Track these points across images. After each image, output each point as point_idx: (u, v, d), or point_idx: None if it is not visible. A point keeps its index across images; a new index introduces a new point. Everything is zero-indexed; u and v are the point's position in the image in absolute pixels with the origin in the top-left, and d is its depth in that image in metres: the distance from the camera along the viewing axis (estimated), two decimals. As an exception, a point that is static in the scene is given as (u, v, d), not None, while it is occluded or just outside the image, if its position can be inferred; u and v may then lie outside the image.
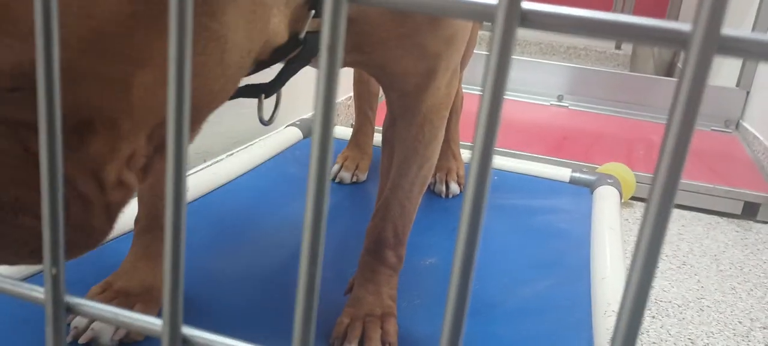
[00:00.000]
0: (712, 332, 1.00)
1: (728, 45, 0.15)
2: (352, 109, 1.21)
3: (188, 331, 0.23)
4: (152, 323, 0.23)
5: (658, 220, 0.17)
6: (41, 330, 0.61)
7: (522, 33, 3.34)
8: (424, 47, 0.56)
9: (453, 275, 0.20)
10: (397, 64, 0.57)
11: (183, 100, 0.20)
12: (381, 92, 0.99)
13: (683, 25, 0.16)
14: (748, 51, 0.15)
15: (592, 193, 1.17)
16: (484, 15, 0.17)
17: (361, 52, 0.54)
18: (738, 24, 2.32)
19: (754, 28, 2.10)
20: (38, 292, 0.24)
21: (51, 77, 0.21)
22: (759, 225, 1.48)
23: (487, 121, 0.18)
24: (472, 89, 2.19)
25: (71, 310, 0.24)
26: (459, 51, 0.61)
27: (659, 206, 0.17)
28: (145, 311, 0.62)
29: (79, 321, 0.60)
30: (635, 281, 0.19)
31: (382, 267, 0.68)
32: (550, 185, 1.20)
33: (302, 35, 0.46)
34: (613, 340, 0.20)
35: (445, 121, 0.65)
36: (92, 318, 0.26)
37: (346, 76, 1.61)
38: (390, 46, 0.55)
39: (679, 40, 0.16)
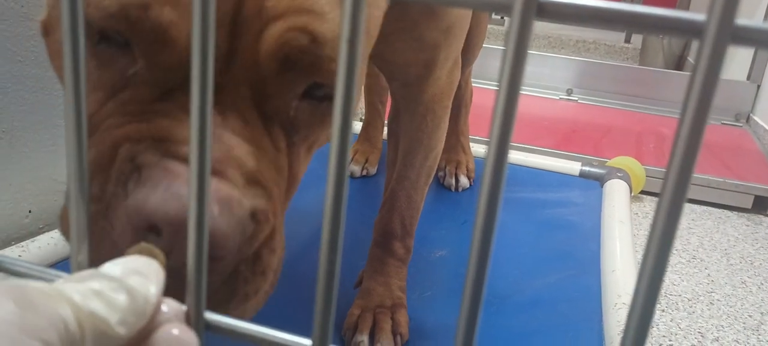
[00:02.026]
0: (722, 325, 1.00)
1: (742, 34, 0.15)
2: (362, 103, 1.21)
3: (211, 316, 0.23)
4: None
5: (672, 206, 0.18)
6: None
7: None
8: (423, 39, 0.57)
9: (470, 266, 0.20)
10: (398, 56, 0.58)
11: (206, 101, 0.21)
12: (391, 86, 0.99)
13: (698, 15, 0.16)
14: (762, 41, 0.15)
15: (601, 186, 1.17)
16: (501, 7, 0.17)
17: None
18: (750, 15, 2.30)
19: (765, 19, 2.09)
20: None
21: (78, 81, 0.21)
22: (770, 219, 1.47)
23: (504, 112, 0.19)
24: (482, 83, 2.18)
25: (97, 296, 0.25)
26: (458, 40, 0.61)
27: (673, 189, 0.17)
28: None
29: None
30: (647, 274, 0.19)
31: (390, 259, 0.68)
32: (560, 179, 1.20)
33: None
34: (625, 333, 0.20)
35: (448, 111, 0.66)
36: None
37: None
38: (390, 40, 0.56)
39: (693, 30, 0.16)
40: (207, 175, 0.21)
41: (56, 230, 0.75)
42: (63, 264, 0.72)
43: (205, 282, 0.23)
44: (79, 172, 0.22)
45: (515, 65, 0.18)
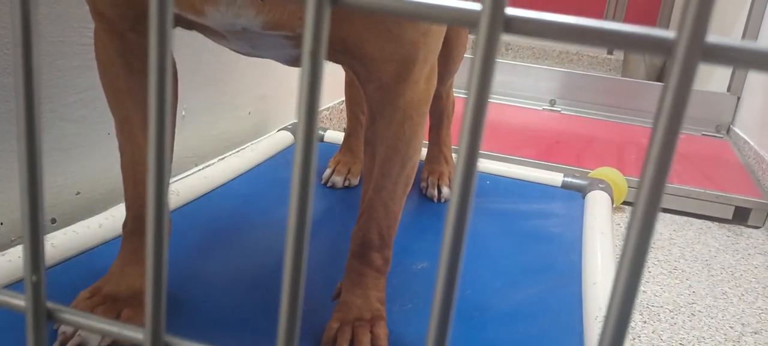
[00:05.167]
0: (703, 336, 1.00)
1: (712, 52, 0.15)
2: (345, 114, 1.20)
3: (171, 339, 0.22)
4: (134, 331, 0.23)
5: (644, 224, 0.17)
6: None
7: (514, 37, 3.35)
8: (402, 37, 0.55)
9: (439, 276, 0.20)
10: (376, 49, 0.55)
11: (164, 98, 0.20)
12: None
13: (668, 33, 0.16)
14: (732, 58, 0.15)
15: (583, 197, 1.17)
16: (467, 21, 0.17)
17: (334, 19, 0.52)
18: (727, 32, 2.33)
19: (743, 37, 2.12)
20: (19, 299, 0.24)
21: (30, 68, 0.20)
22: (750, 230, 1.48)
23: (472, 125, 0.18)
24: (465, 94, 2.19)
25: (52, 317, 0.24)
26: (436, 42, 0.60)
27: (645, 211, 0.17)
28: (133, 316, 0.62)
29: (66, 326, 0.60)
30: (621, 286, 0.18)
31: (368, 270, 0.67)
32: (542, 190, 1.20)
33: None
34: (600, 344, 0.19)
35: (425, 119, 0.64)
36: (72, 326, 0.26)
37: (339, 80, 1.60)
38: (366, 23, 0.53)
39: (663, 47, 0.15)
40: (165, 180, 0.20)
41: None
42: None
43: (164, 305, 0.22)
44: (31, 190, 0.21)
45: (483, 79, 0.17)
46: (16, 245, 0.74)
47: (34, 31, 0.20)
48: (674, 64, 0.15)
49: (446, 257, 0.19)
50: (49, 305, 0.23)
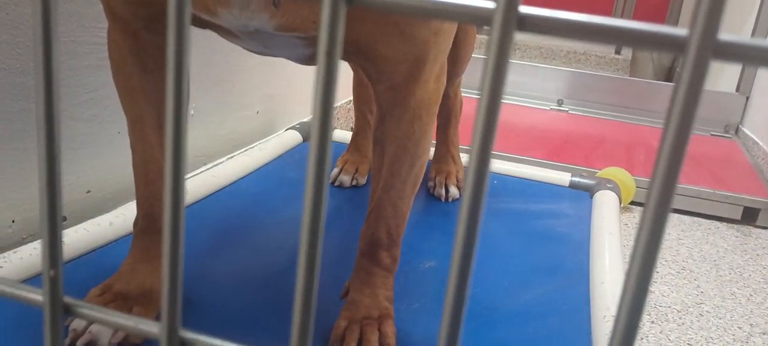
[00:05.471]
0: (711, 337, 1.00)
1: (724, 50, 0.15)
2: (353, 113, 1.21)
3: (186, 334, 0.23)
4: (150, 325, 0.23)
5: (655, 222, 0.17)
6: (40, 334, 0.61)
7: (522, 37, 3.34)
8: (414, 37, 0.55)
9: (451, 275, 0.20)
10: (385, 45, 0.55)
11: (182, 96, 0.20)
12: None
13: (680, 30, 0.16)
14: (744, 56, 0.15)
15: (591, 197, 1.17)
16: (481, 19, 0.17)
17: (347, 21, 0.53)
18: (737, 30, 2.32)
19: (753, 34, 2.10)
20: (36, 293, 0.24)
21: (50, 70, 0.21)
22: (758, 230, 1.48)
23: (485, 123, 0.18)
24: (474, 94, 2.19)
25: (69, 311, 0.24)
26: (447, 42, 0.60)
27: (657, 205, 0.17)
28: (144, 314, 0.62)
29: (77, 323, 0.60)
30: (632, 286, 0.19)
31: (377, 269, 0.68)
32: (550, 190, 1.20)
33: None
34: (611, 344, 0.20)
35: (435, 118, 0.64)
36: (90, 320, 0.26)
37: (347, 80, 1.61)
38: (379, 23, 0.54)
39: (675, 45, 0.16)
40: (182, 176, 0.21)
41: (40, 241, 0.74)
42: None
43: (181, 300, 0.22)
44: (51, 185, 0.21)
45: (496, 77, 0.18)
46: (28, 242, 0.75)
47: (54, 31, 0.21)
48: (686, 61, 0.15)
49: (458, 257, 0.19)
50: (67, 299, 0.24)
